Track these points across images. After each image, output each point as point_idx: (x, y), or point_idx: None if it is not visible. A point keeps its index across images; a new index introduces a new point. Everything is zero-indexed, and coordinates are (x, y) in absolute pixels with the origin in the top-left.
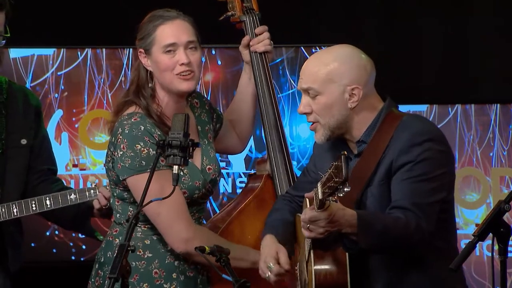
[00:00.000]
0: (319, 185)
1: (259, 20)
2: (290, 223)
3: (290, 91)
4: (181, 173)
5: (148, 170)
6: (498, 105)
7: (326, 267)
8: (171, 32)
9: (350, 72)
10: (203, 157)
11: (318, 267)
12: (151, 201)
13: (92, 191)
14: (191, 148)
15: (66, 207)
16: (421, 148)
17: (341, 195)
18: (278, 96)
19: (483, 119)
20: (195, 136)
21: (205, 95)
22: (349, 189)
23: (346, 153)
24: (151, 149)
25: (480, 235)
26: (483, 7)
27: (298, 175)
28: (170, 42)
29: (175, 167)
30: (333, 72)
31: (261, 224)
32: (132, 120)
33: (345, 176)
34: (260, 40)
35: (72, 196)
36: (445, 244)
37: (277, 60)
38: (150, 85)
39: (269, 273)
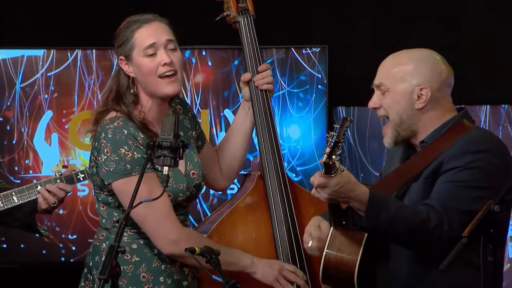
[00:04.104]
0: (326, 150)
1: (253, 21)
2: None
3: (281, 92)
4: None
5: (133, 174)
6: (488, 106)
7: (338, 250)
8: (149, 33)
9: (422, 73)
10: (187, 162)
11: (330, 248)
12: (141, 202)
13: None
14: (181, 149)
15: (16, 206)
16: (473, 156)
17: (335, 157)
18: None
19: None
20: None
21: (196, 96)
22: (340, 151)
23: (349, 119)
24: (135, 152)
25: (470, 236)
26: (476, 8)
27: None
28: (149, 43)
29: (165, 168)
30: (404, 71)
31: (252, 225)
32: (115, 124)
33: (337, 136)
34: (264, 77)
35: (39, 188)
36: (478, 259)
37: (268, 61)
38: (132, 91)
39: (311, 241)
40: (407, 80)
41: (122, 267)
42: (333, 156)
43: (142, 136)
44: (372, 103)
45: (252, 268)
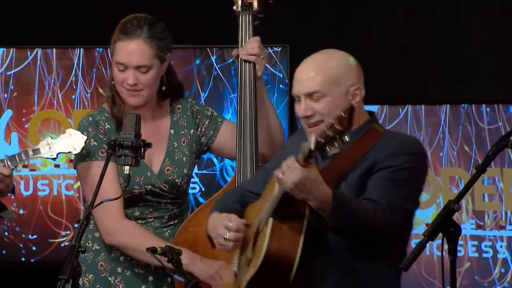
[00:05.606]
0: (313, 137)
1: (252, 18)
2: (236, 211)
3: None
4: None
5: (87, 160)
6: (448, 106)
7: (279, 242)
8: (123, 52)
9: (351, 73)
10: (166, 158)
11: (272, 241)
12: (101, 202)
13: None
14: (142, 149)
15: None
16: (409, 157)
17: (336, 149)
18: (230, 96)
19: (433, 119)
20: (164, 139)
21: None
22: (348, 141)
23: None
24: (92, 140)
25: (430, 235)
26: (437, 9)
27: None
28: (120, 61)
29: (126, 168)
30: (337, 74)
31: None
32: (92, 112)
33: (349, 125)
34: (246, 48)
35: None
36: (393, 251)
37: (229, 61)
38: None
39: (228, 234)
40: (342, 83)
41: (83, 254)
42: (327, 148)
43: (109, 127)
44: (304, 111)
45: (190, 267)
